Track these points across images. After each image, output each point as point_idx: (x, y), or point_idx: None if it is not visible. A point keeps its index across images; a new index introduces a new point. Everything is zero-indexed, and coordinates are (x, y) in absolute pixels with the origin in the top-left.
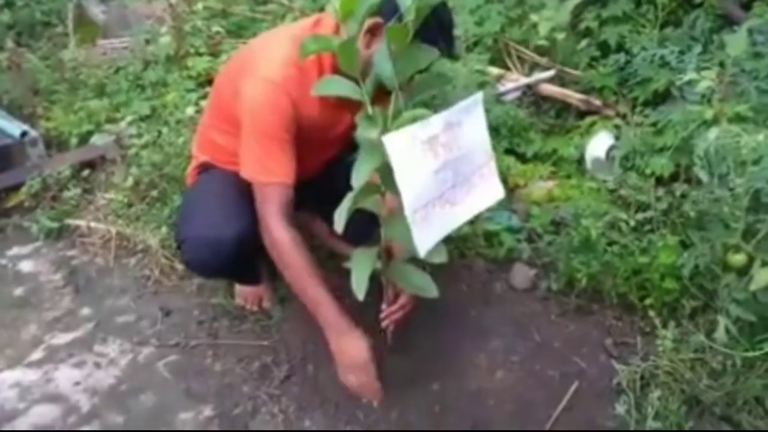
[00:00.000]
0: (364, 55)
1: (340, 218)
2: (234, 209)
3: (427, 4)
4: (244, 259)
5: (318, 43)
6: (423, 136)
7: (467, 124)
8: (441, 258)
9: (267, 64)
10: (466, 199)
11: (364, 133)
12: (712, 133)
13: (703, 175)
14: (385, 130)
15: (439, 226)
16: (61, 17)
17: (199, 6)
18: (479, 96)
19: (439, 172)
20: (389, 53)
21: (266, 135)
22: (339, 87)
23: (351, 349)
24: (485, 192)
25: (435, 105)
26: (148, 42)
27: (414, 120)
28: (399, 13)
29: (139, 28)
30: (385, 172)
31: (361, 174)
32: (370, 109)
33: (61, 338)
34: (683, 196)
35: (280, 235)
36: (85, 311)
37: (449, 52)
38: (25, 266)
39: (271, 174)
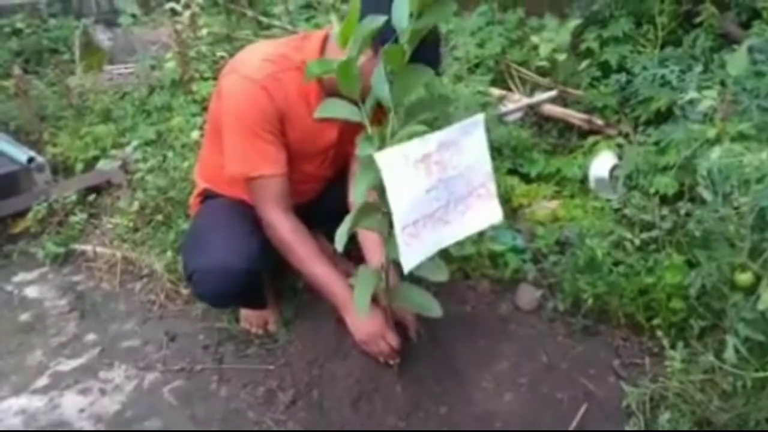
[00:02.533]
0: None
1: (340, 238)
2: (241, 239)
3: (423, 27)
4: (252, 286)
5: (321, 67)
6: (416, 154)
7: (465, 144)
8: (441, 276)
9: (247, 62)
10: (461, 219)
11: (363, 152)
12: (715, 152)
13: (707, 195)
14: (382, 148)
15: (429, 243)
16: (68, 44)
17: (204, 32)
18: (480, 117)
19: (432, 190)
20: (386, 74)
21: (248, 129)
22: (340, 109)
23: (366, 323)
24: (482, 213)
25: (437, 126)
26: (153, 68)
27: (409, 138)
28: (395, 35)
29: (144, 54)
30: (381, 190)
31: (358, 191)
32: (369, 130)
33: (67, 364)
34: (688, 215)
35: (280, 225)
36: (91, 337)
37: (436, 70)
38: (31, 292)
39: (259, 167)
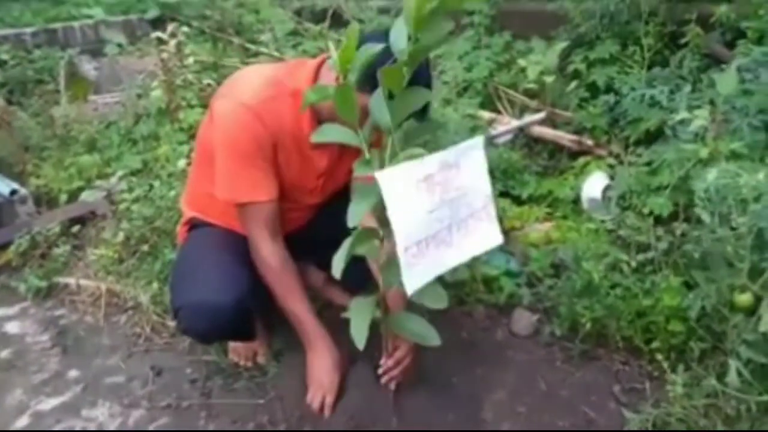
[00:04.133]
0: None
1: (338, 264)
2: (230, 272)
3: (422, 48)
4: (241, 321)
5: (318, 93)
6: (418, 174)
7: (465, 166)
8: (441, 303)
9: (240, 88)
10: (462, 242)
11: (361, 173)
12: (712, 173)
13: (705, 216)
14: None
15: (432, 266)
16: (53, 74)
17: (190, 60)
18: (479, 140)
19: (435, 211)
20: (384, 96)
21: (241, 156)
22: (337, 134)
23: (322, 374)
24: (482, 236)
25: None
26: (139, 96)
27: (409, 159)
28: (393, 58)
29: (130, 83)
30: (381, 212)
31: (356, 215)
32: (367, 154)
33: (48, 403)
34: (683, 235)
35: (266, 254)
36: (73, 373)
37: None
38: (12, 327)
39: (249, 194)
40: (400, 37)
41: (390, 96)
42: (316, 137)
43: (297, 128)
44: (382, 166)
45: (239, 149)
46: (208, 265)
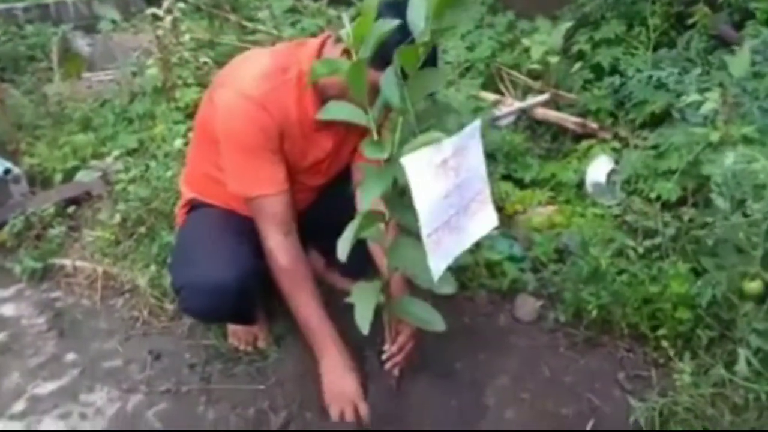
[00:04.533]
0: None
1: (343, 247)
2: (232, 251)
3: (442, 28)
4: (244, 301)
5: (327, 67)
6: (437, 159)
7: (470, 149)
8: (450, 289)
9: (244, 78)
10: (468, 225)
11: (372, 156)
12: (729, 157)
13: (720, 202)
14: (393, 154)
15: (448, 251)
16: (46, 51)
17: (186, 37)
18: (479, 122)
19: (448, 197)
20: (397, 77)
21: (249, 149)
22: (345, 112)
23: (342, 383)
24: (482, 219)
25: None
26: (134, 74)
27: (426, 143)
28: (409, 37)
29: (125, 61)
30: (392, 197)
31: (367, 199)
32: (375, 135)
33: (45, 387)
34: (691, 221)
35: (277, 250)
36: (70, 357)
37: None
38: (7, 310)
39: (261, 186)
40: (418, 15)
41: (403, 76)
42: (322, 114)
43: (302, 113)
44: (393, 148)
45: (246, 142)
46: (210, 244)
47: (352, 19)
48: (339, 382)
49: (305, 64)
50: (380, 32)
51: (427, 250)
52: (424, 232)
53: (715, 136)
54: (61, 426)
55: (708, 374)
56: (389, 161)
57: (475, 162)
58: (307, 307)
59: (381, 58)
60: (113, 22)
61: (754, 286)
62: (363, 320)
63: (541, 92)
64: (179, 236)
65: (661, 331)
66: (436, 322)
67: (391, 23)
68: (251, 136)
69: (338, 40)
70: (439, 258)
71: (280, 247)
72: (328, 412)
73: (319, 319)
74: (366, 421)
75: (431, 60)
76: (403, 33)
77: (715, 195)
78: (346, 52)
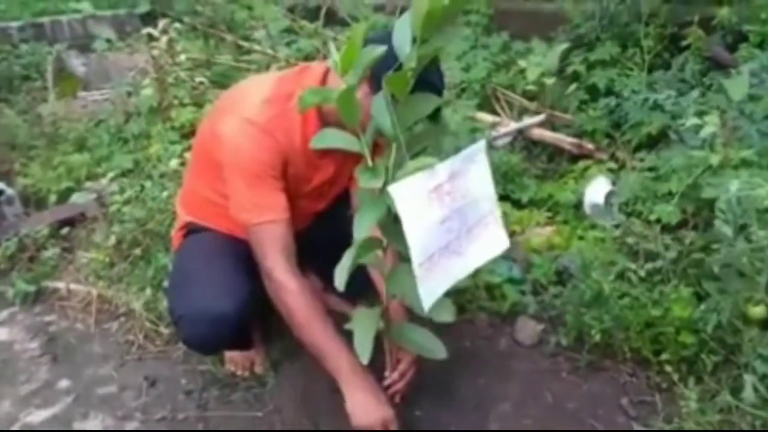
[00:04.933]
0: (363, 105)
1: (341, 276)
2: (231, 279)
3: (428, 53)
4: (242, 330)
5: (318, 96)
6: (429, 185)
7: (471, 172)
8: (448, 317)
9: (247, 104)
10: (471, 250)
11: (366, 184)
12: (734, 184)
13: (727, 229)
14: (388, 181)
15: (444, 278)
16: (41, 70)
17: (182, 57)
18: (482, 144)
19: (445, 222)
20: (388, 103)
21: (252, 174)
22: (337, 140)
23: (369, 409)
24: (490, 242)
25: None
26: (130, 94)
27: (419, 169)
28: (398, 62)
29: (120, 80)
30: (388, 224)
31: (362, 227)
32: (370, 162)
33: (38, 415)
34: (692, 243)
35: (283, 279)
36: (64, 383)
37: (440, 94)
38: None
39: (263, 212)
40: (403, 39)
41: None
42: (315, 143)
43: (306, 139)
44: (387, 175)
45: (252, 169)
46: (208, 272)
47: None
48: (370, 409)
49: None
50: (367, 60)
51: (417, 278)
52: (415, 260)
53: (715, 160)
54: None
55: (714, 401)
56: (383, 188)
57: (479, 184)
58: (325, 332)
59: (377, 81)
60: (108, 41)
61: (758, 311)
62: (363, 349)
63: (536, 113)
64: (177, 262)
65: (664, 356)
66: (438, 350)
67: (379, 49)
68: (257, 163)
69: None
70: (431, 286)
71: (288, 274)
72: None
73: (340, 343)
74: None
75: (435, 82)
76: (392, 59)
77: (719, 221)
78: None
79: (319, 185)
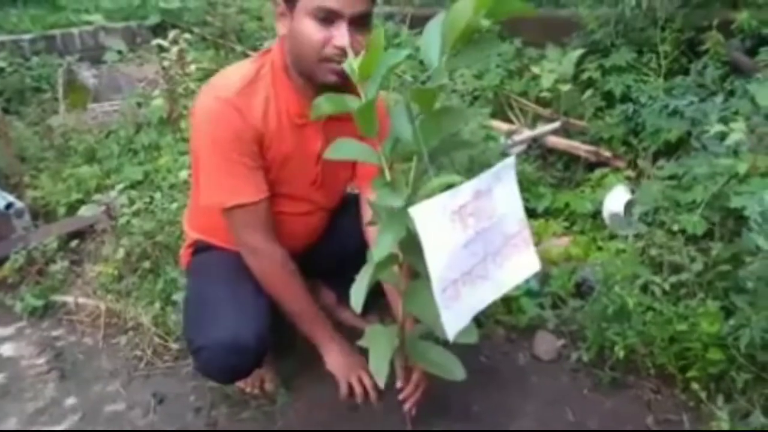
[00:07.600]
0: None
1: (357, 296)
2: (250, 305)
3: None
4: (263, 354)
5: (332, 103)
6: (452, 205)
7: (498, 191)
8: (471, 338)
9: (215, 84)
10: (499, 273)
11: (385, 201)
12: (767, 193)
13: (762, 242)
14: (410, 198)
15: (471, 304)
16: (51, 82)
17: (192, 68)
18: (511, 160)
19: (469, 245)
20: (411, 115)
21: (222, 154)
22: (353, 152)
23: (347, 358)
24: (519, 264)
25: (443, 166)
26: (140, 105)
27: (443, 188)
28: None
29: (130, 92)
30: (407, 243)
31: (382, 247)
32: (388, 175)
33: None
34: (718, 255)
35: (264, 252)
36: (71, 401)
37: None
38: (6, 350)
39: (236, 195)
40: (431, 51)
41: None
42: (329, 153)
43: (282, 106)
44: (407, 191)
45: (221, 147)
46: (226, 298)
47: None
48: (343, 358)
49: (276, 56)
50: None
51: (439, 307)
52: (437, 288)
53: (742, 168)
54: None
55: (746, 421)
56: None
57: (506, 203)
58: (304, 298)
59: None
60: (119, 53)
61: None
62: (380, 373)
63: (551, 120)
64: (191, 286)
65: (690, 373)
66: (456, 371)
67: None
68: (224, 139)
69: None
70: (456, 314)
71: (268, 249)
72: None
73: (315, 311)
74: (372, 394)
75: None
76: None
77: (749, 232)
78: (281, 15)
79: (311, 162)
